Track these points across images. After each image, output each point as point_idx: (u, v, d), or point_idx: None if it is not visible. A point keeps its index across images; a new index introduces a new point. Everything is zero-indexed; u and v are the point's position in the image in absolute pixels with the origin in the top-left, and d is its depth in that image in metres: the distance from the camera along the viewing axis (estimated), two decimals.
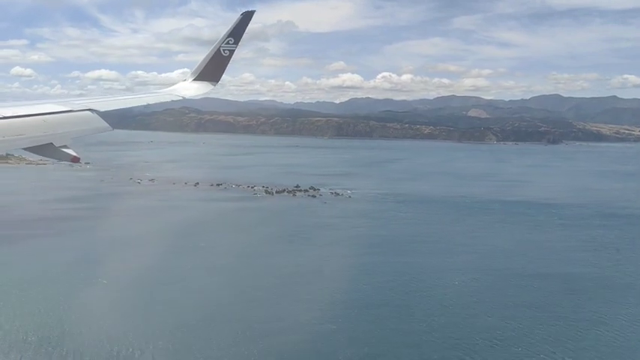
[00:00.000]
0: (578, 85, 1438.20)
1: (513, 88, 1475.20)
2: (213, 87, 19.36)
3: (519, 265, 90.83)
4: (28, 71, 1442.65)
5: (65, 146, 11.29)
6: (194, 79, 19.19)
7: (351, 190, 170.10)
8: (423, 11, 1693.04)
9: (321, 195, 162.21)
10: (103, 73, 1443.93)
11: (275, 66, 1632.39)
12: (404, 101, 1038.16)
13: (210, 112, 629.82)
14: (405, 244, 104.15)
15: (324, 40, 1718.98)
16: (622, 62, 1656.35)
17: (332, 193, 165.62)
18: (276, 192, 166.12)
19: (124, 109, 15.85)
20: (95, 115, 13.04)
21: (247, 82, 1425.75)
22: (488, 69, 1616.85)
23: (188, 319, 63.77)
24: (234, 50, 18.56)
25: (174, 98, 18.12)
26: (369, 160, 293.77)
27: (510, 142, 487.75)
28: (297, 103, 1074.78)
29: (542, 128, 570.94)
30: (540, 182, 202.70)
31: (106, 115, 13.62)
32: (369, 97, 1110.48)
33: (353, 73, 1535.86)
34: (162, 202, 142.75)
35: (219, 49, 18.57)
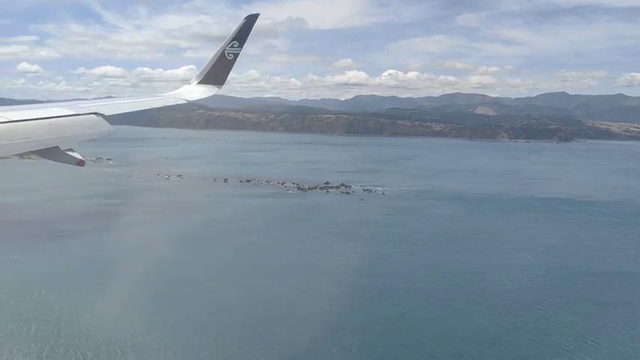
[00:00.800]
0: (585, 83, 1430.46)
1: (519, 86, 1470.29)
2: (217, 90, 19.55)
3: (578, 262, 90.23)
4: (35, 67, 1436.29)
5: (71, 149, 11.32)
6: (198, 83, 19.37)
7: (382, 187, 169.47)
8: (427, 9, 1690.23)
9: (354, 192, 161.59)
10: (109, 69, 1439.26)
11: (282, 63, 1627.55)
12: (409, 99, 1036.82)
13: (220, 109, 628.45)
14: (455, 241, 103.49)
15: (327, 38, 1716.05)
16: (627, 60, 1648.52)
17: (364, 190, 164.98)
18: (308, 188, 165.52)
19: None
20: (101, 118, 13.17)
21: (252, 79, 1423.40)
22: (495, 66, 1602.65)
23: (253, 316, 63.48)
24: (238, 53, 18.62)
25: (179, 102, 18.33)
26: (386, 157, 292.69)
27: (522, 140, 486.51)
28: (301, 100, 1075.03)
29: (552, 126, 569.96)
30: (566, 179, 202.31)
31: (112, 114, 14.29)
32: (374, 95, 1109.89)
33: (358, 70, 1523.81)
34: (199, 198, 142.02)
35: (223, 53, 18.62)
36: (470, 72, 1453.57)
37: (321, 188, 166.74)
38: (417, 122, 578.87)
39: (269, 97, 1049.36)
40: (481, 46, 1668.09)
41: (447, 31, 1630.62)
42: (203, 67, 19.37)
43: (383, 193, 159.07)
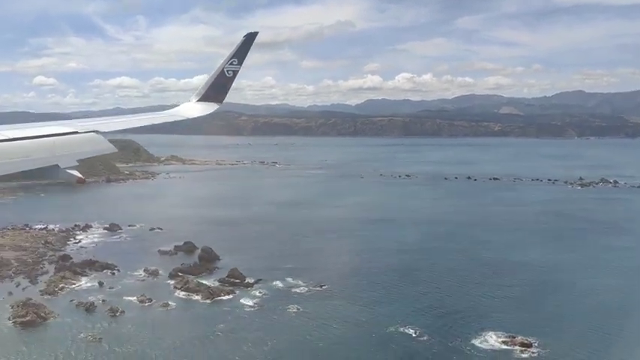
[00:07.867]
0: (605, 80, 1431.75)
1: (533, 86, 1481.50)
2: (217, 107, 19.48)
3: None
4: (51, 80, 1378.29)
5: (71, 167, 11.01)
6: (198, 100, 19.36)
7: None
8: (426, 13, 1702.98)
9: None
10: (125, 80, 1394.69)
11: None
12: (422, 101, 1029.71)
13: (264, 116, 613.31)
14: None
15: (330, 43, 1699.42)
16: (626, 57, 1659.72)
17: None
18: (589, 184, 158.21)
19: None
20: (100, 136, 13.11)
21: (268, 85, 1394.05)
22: (494, 65, 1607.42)
23: None
24: (237, 71, 18.75)
25: (178, 119, 18.39)
26: (533, 154, 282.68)
27: (592, 137, 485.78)
28: (310, 106, 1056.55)
29: (597, 123, 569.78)
30: None
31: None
32: (385, 99, 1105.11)
33: (372, 74, 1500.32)
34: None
35: (222, 70, 18.76)
36: (489, 73, 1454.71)
37: (596, 183, 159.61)
38: (474, 123, 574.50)
39: (276, 104, 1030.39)
40: (479, 49, 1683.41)
41: (445, 34, 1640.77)
42: (202, 85, 19.52)
43: None
